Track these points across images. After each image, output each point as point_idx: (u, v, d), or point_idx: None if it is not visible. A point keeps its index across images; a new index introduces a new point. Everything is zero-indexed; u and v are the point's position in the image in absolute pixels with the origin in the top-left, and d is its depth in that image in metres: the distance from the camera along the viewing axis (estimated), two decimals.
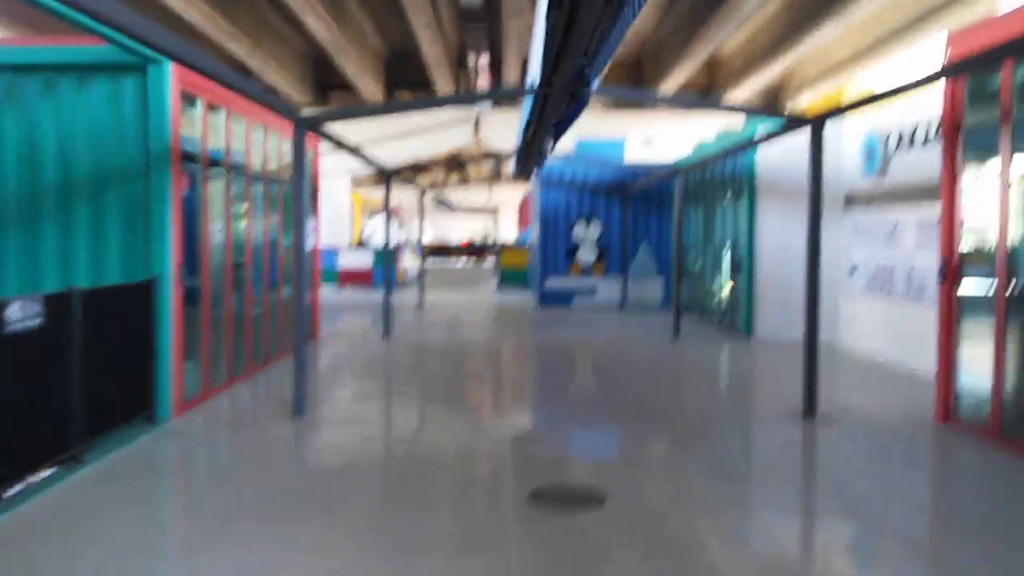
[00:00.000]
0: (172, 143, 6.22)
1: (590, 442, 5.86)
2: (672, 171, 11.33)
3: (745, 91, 21.86)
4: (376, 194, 40.15)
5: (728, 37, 16.91)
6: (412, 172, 38.80)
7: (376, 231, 25.58)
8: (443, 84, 21.37)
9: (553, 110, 7.64)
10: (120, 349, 5.70)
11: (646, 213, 16.35)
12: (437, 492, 4.71)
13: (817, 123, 6.43)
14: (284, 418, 6.39)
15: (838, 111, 6.28)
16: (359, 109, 7.03)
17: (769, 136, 7.82)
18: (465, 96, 16.32)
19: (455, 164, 38.43)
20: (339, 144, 8.09)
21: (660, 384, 8.47)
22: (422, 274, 16.67)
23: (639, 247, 16.37)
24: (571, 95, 7.41)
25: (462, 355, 10.13)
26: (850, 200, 10.31)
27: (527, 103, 9.06)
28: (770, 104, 20.93)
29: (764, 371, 8.98)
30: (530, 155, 11.58)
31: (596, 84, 6.85)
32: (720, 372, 9.18)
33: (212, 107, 7.19)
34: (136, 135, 6.18)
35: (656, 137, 23.07)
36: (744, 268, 11.37)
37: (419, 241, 16.72)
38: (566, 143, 17.24)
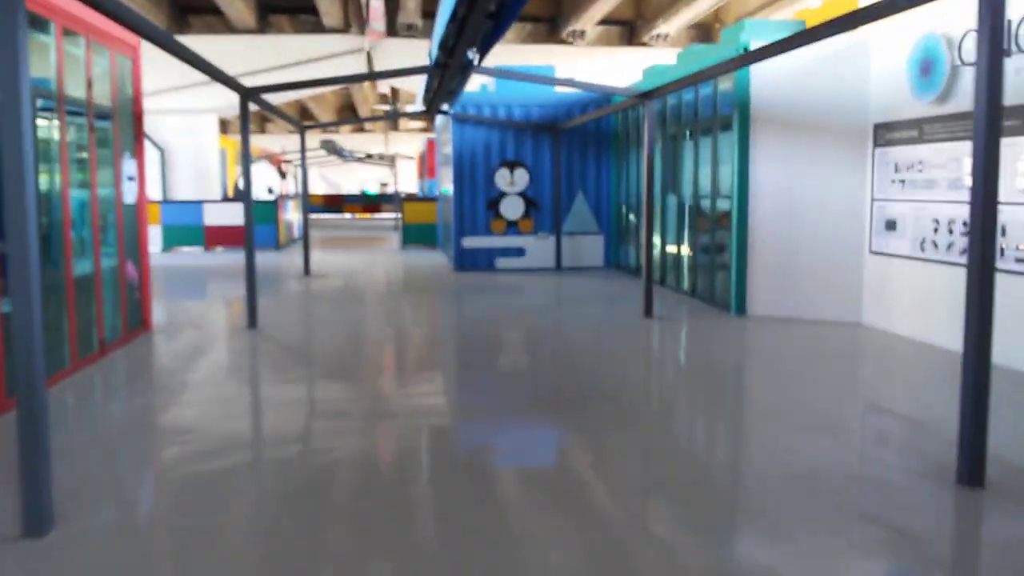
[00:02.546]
0: None
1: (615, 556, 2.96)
2: (640, 95, 8.42)
3: (673, 25, 19.29)
4: (256, 141, 35.70)
5: None
6: (297, 116, 34.48)
7: (254, 181, 21.72)
8: (329, 9, 17.66)
9: None
10: None
11: (582, 156, 13.47)
12: None
13: None
14: (7, 540, 3.19)
15: None
16: None
17: (813, 34, 5.03)
18: None
19: (346, 109, 34.48)
20: (143, 34, 4.73)
21: (674, 406, 5.66)
22: (307, 231, 13.26)
23: (574, 198, 13.52)
24: None
25: (363, 364, 7.03)
26: (885, 133, 7.71)
27: None
28: None
29: (804, 374, 6.33)
30: (448, 72, 8.40)
31: None
32: (750, 379, 6.46)
33: None
34: None
35: (577, 77, 20.21)
36: (734, 225, 8.68)
37: (303, 191, 13.24)
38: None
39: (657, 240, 11.51)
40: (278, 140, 36.02)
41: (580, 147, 13.43)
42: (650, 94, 8.29)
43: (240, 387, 5.93)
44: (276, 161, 34.86)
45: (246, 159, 8.13)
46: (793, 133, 8.36)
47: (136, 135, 7.68)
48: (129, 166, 7.46)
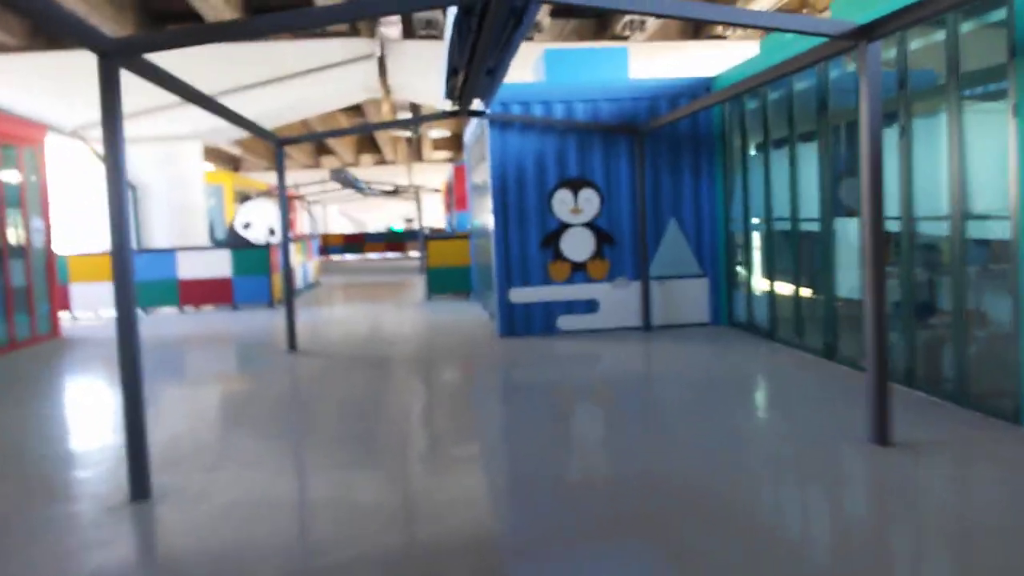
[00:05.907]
0: None
1: None
2: (855, 33, 4.50)
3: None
4: (264, 178, 32.34)
5: None
6: (314, 152, 31.08)
7: (254, 221, 17.94)
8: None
9: None
10: None
11: (673, 168, 9.56)
12: None
13: None
14: None
15: None
16: None
17: None
18: None
19: (366, 140, 31.05)
20: None
21: None
22: (290, 292, 9.47)
23: (665, 228, 9.60)
24: None
25: None
26: None
27: None
28: None
29: None
30: (486, 22, 4.63)
31: None
32: None
33: None
34: None
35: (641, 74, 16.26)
36: (1022, 267, 4.69)
37: (282, 230, 9.41)
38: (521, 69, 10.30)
39: (788, 284, 7.51)
40: (291, 176, 32.64)
41: (670, 156, 9.52)
42: (875, 28, 4.35)
43: None
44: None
45: (115, 166, 4.33)
46: None
47: None
48: None
